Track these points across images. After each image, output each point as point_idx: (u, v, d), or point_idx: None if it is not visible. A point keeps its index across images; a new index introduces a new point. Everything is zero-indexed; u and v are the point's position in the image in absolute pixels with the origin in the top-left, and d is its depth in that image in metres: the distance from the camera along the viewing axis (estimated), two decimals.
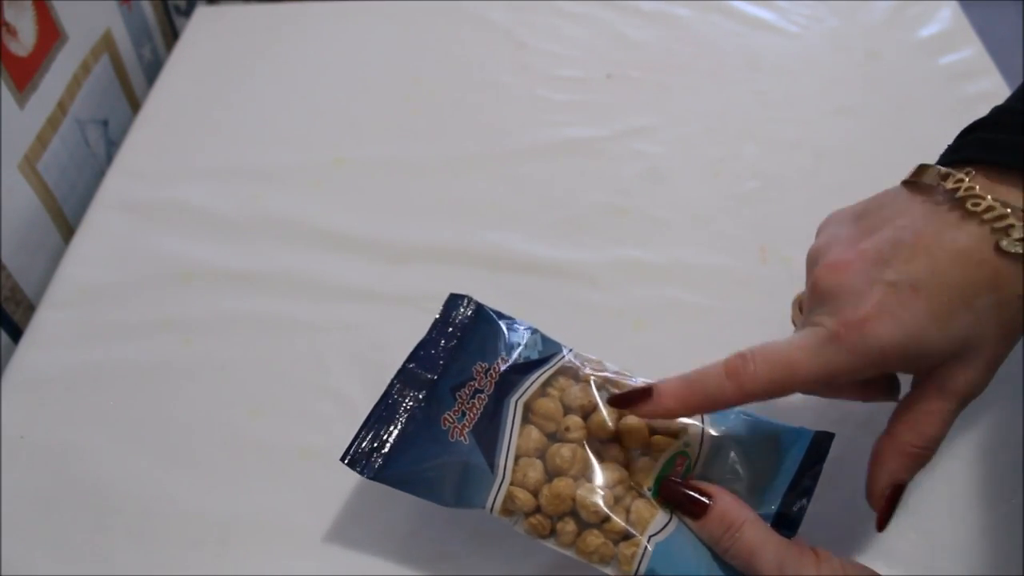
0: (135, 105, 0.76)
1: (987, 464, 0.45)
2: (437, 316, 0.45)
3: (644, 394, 0.37)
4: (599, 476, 0.38)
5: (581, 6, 0.77)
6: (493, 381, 0.41)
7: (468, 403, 0.41)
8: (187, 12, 0.83)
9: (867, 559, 0.42)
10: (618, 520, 0.37)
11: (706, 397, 0.36)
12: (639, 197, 0.61)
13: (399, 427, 0.41)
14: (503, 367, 0.42)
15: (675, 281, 0.55)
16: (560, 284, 0.55)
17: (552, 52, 0.73)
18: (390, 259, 0.57)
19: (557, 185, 0.62)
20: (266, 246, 0.59)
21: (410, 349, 0.49)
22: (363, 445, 0.40)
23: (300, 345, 0.53)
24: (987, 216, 0.33)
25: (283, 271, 0.57)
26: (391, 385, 0.42)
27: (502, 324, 0.45)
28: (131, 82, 0.76)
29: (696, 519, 0.35)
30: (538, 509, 0.38)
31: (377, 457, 0.40)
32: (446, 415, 0.40)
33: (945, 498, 0.44)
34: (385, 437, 0.41)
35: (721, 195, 0.60)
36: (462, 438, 0.40)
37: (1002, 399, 0.48)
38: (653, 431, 0.39)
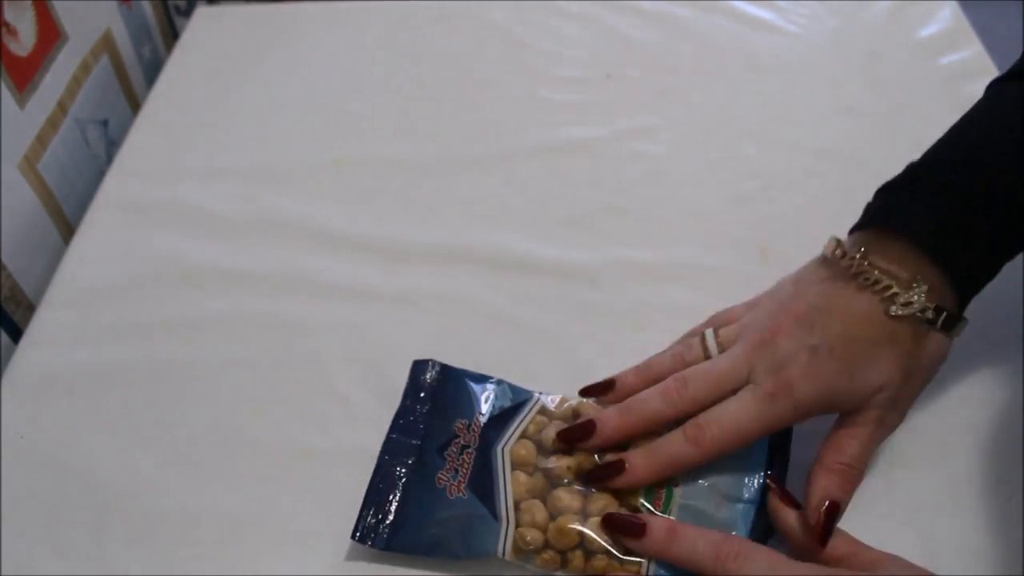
0: (135, 105, 0.76)
1: (987, 464, 0.45)
2: (407, 385, 0.48)
3: (617, 468, 0.41)
4: (596, 506, 0.41)
5: (581, 6, 0.77)
6: (477, 435, 0.45)
7: (458, 460, 0.44)
8: (187, 12, 0.83)
9: None
10: (619, 545, 0.40)
11: (670, 461, 0.41)
12: (639, 197, 0.61)
13: (397, 496, 0.43)
14: (483, 420, 0.45)
15: (675, 281, 0.55)
16: (560, 284, 0.55)
17: (552, 52, 0.73)
18: (390, 259, 0.57)
19: (557, 185, 0.62)
20: (266, 246, 0.59)
21: (410, 349, 0.49)
22: (368, 519, 0.42)
23: (300, 345, 0.53)
24: (876, 288, 0.41)
25: (283, 271, 0.57)
26: (381, 458, 0.45)
27: (469, 381, 0.48)
28: (131, 82, 0.76)
29: (639, 537, 0.39)
30: (546, 545, 0.41)
31: (383, 529, 0.42)
32: (439, 475, 0.43)
33: (945, 498, 0.44)
34: (388, 508, 0.43)
35: (721, 195, 0.60)
36: (461, 494, 0.42)
37: (1002, 399, 0.48)
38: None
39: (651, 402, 0.42)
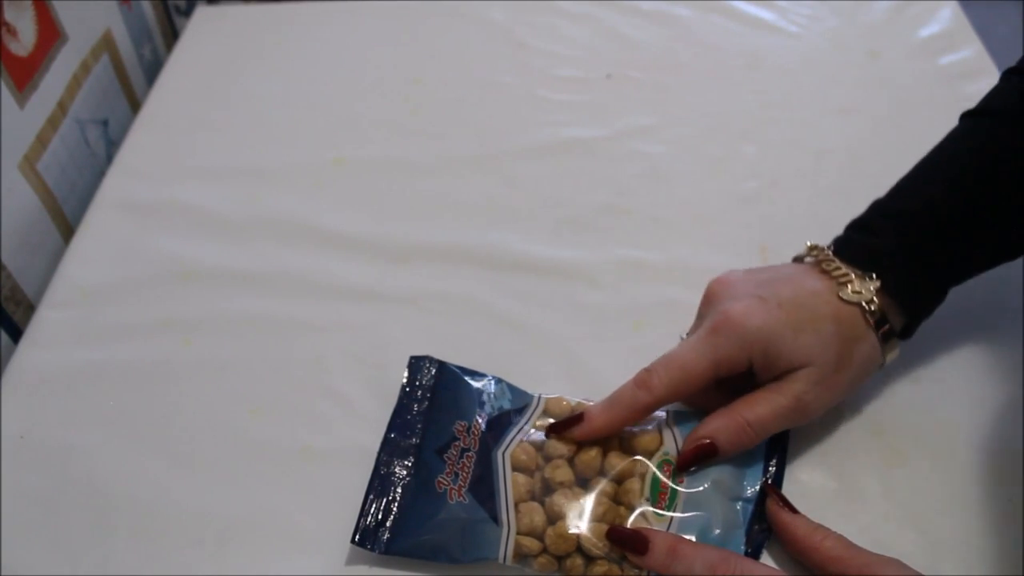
0: (135, 105, 0.76)
1: (987, 464, 0.45)
2: (404, 381, 0.48)
3: (577, 420, 0.43)
4: (595, 511, 0.41)
5: (581, 6, 0.77)
6: (476, 438, 0.44)
7: (458, 463, 0.43)
8: (187, 12, 0.83)
9: None
10: (617, 552, 0.40)
11: (625, 408, 0.42)
12: (639, 197, 0.61)
13: (396, 498, 0.43)
14: (483, 423, 0.45)
15: (675, 281, 0.55)
16: (560, 284, 0.55)
17: (552, 52, 0.73)
18: (390, 259, 0.57)
19: (557, 185, 0.62)
20: (266, 246, 0.59)
21: (410, 349, 0.49)
22: (368, 521, 0.42)
23: (300, 345, 0.53)
24: (834, 273, 0.44)
25: (283, 271, 0.57)
26: (379, 458, 0.44)
27: (468, 379, 0.47)
28: (131, 82, 0.76)
29: (642, 554, 0.40)
30: (544, 550, 0.41)
31: (383, 532, 0.42)
32: (439, 478, 0.43)
33: (945, 498, 0.44)
34: (386, 510, 0.43)
35: (721, 195, 0.60)
36: (461, 499, 0.42)
37: (1002, 399, 0.48)
38: (631, 451, 0.44)
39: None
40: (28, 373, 0.52)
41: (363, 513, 0.42)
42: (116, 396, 0.51)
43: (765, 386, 0.43)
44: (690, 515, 0.41)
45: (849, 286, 0.43)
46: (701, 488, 0.42)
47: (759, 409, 0.42)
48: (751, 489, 0.43)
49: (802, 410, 0.42)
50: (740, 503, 0.42)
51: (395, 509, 0.43)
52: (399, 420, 0.46)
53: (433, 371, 0.48)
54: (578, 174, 0.62)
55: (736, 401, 0.43)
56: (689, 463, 0.42)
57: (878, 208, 0.46)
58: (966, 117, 0.47)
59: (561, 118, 0.67)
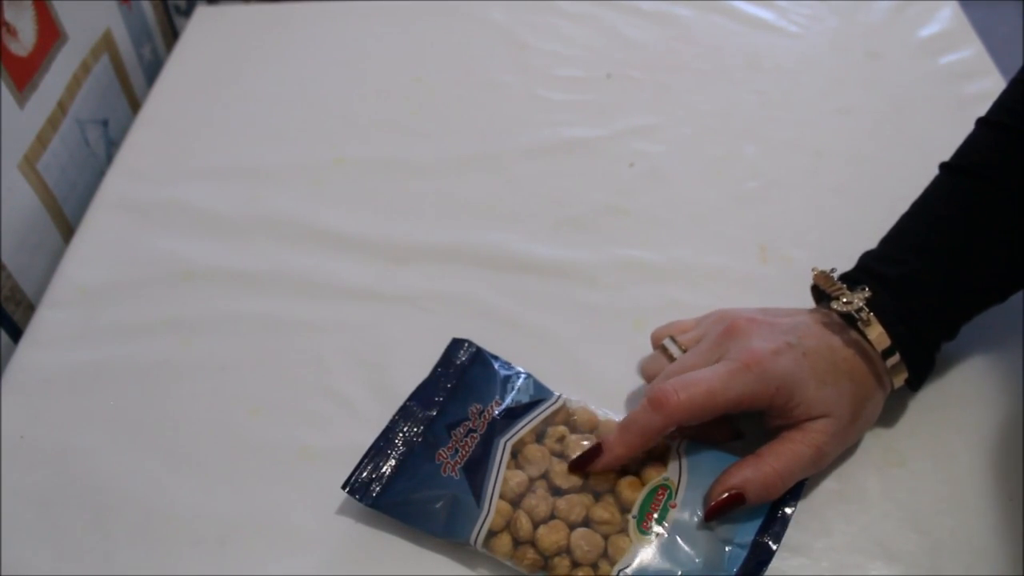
0: (135, 105, 0.76)
1: (987, 464, 0.45)
2: (440, 358, 0.49)
3: (596, 452, 0.43)
4: (576, 517, 0.41)
5: (581, 6, 0.77)
6: (486, 422, 0.45)
7: (461, 441, 0.44)
8: (187, 12, 0.83)
9: (867, 558, 0.42)
10: (606, 565, 0.40)
11: (640, 433, 0.42)
12: (639, 197, 0.61)
13: (397, 459, 0.44)
14: (496, 410, 0.46)
15: (675, 281, 0.55)
16: (560, 284, 0.55)
17: (552, 52, 0.73)
18: (390, 259, 0.57)
19: (557, 185, 0.62)
20: (266, 246, 0.59)
21: (410, 349, 0.50)
22: (363, 475, 0.44)
23: (300, 345, 0.53)
24: (830, 289, 0.44)
25: (283, 271, 0.57)
26: (392, 420, 0.46)
27: (498, 368, 0.48)
28: (131, 82, 0.76)
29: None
30: (517, 546, 0.41)
31: (375, 486, 0.43)
32: (440, 451, 0.44)
33: (945, 498, 0.44)
34: (383, 468, 0.44)
35: (721, 195, 0.60)
36: (453, 474, 0.43)
37: (1002, 399, 0.48)
38: (627, 470, 0.43)
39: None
40: (28, 373, 0.52)
41: (360, 466, 0.44)
42: (116, 396, 0.51)
43: (785, 436, 0.42)
44: (673, 540, 0.40)
45: (843, 297, 0.43)
46: (692, 514, 0.41)
47: (785, 459, 0.41)
48: (746, 535, 0.41)
49: (820, 460, 0.42)
50: (730, 547, 0.40)
51: (390, 469, 0.44)
52: (422, 392, 0.47)
53: (468, 354, 0.49)
54: (578, 174, 0.62)
55: (761, 451, 0.42)
56: (717, 514, 0.41)
57: (866, 267, 0.46)
58: (944, 170, 0.47)
59: (561, 118, 0.67)
